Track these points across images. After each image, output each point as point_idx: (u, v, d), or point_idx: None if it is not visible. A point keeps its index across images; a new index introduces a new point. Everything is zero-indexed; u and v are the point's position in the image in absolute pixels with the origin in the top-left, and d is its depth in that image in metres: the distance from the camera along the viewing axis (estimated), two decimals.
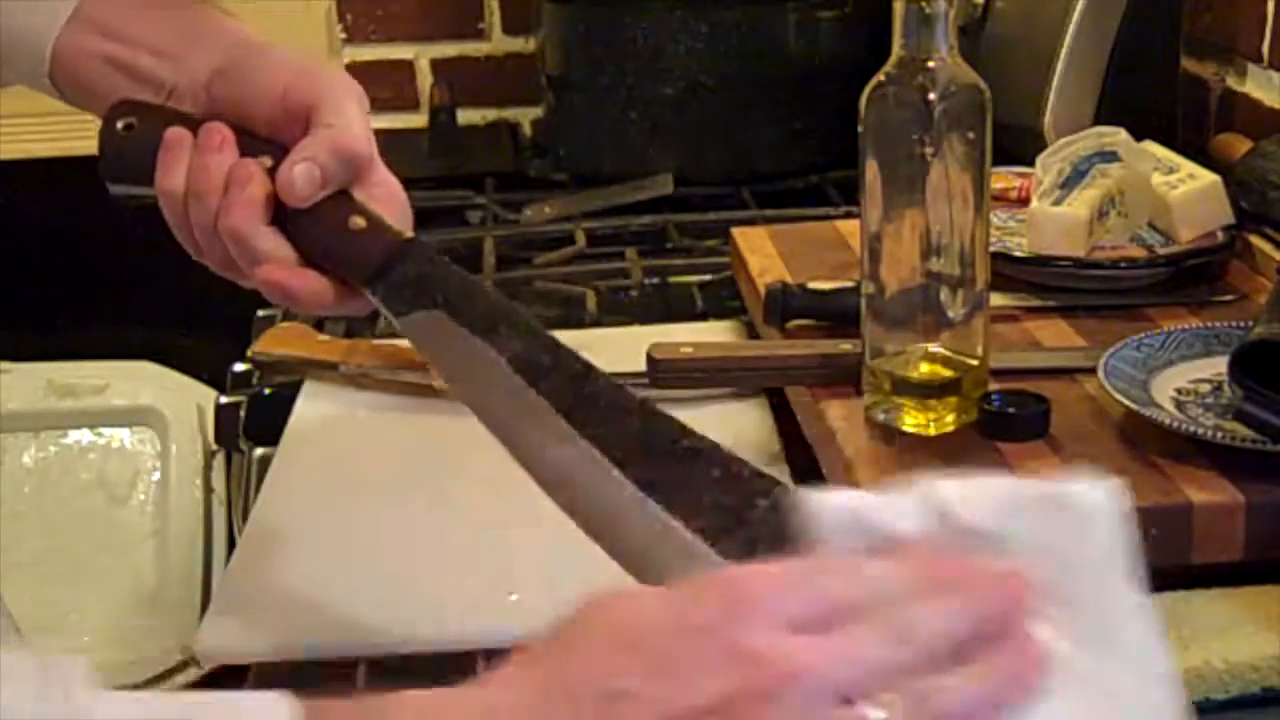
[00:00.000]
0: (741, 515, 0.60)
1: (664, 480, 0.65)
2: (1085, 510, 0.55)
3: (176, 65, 0.84)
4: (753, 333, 1.23)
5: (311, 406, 1.17)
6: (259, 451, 1.19)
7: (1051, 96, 1.45)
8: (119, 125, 0.83)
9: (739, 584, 0.52)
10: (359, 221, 0.80)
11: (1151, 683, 0.55)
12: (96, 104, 0.85)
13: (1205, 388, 0.96)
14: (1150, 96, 1.48)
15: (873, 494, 0.56)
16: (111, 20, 0.85)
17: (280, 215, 0.79)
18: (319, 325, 1.27)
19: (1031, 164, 1.24)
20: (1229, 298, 1.14)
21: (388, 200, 0.83)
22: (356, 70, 2.02)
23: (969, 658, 0.52)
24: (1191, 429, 0.88)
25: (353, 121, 0.80)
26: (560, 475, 0.69)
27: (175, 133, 0.81)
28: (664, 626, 0.52)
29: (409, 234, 0.81)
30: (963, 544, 0.55)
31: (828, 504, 0.56)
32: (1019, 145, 1.32)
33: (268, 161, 0.80)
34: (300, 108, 0.81)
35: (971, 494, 0.56)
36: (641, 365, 1.04)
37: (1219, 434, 0.87)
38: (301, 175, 0.78)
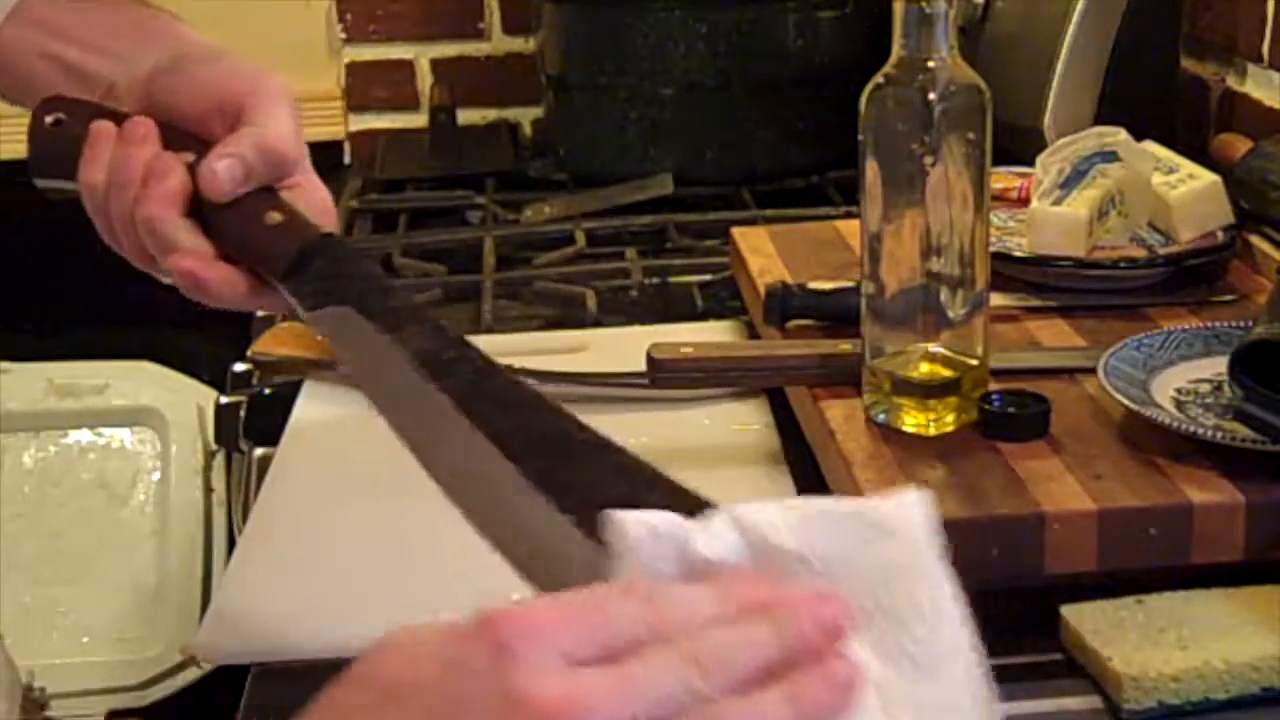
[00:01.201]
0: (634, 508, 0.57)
1: (558, 475, 0.63)
2: (894, 525, 0.55)
3: (117, 63, 0.85)
4: (753, 333, 1.23)
5: (311, 406, 1.17)
6: (259, 451, 1.19)
7: (1051, 96, 1.45)
8: (47, 120, 0.84)
9: (511, 622, 0.50)
10: (275, 217, 0.80)
11: (966, 695, 0.55)
12: (35, 101, 0.86)
13: (1205, 388, 0.96)
14: (1150, 96, 1.48)
15: (683, 518, 0.55)
16: (55, 18, 0.86)
17: (199, 211, 0.80)
18: None
19: (1031, 164, 1.24)
20: (1229, 298, 1.14)
21: (310, 205, 0.83)
22: (356, 70, 2.02)
23: (776, 684, 0.51)
24: (1191, 429, 0.88)
25: (281, 123, 0.81)
26: (455, 470, 0.69)
27: (100, 126, 0.82)
28: (432, 676, 0.50)
29: (326, 230, 0.81)
30: (776, 566, 0.54)
31: (635, 526, 0.55)
32: (1019, 145, 1.32)
33: (190, 156, 0.80)
34: (232, 107, 0.81)
35: (781, 516, 0.55)
36: (641, 365, 1.04)
37: (1219, 434, 0.87)
38: (224, 169, 0.79)
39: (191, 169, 0.80)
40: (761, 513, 0.55)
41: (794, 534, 0.55)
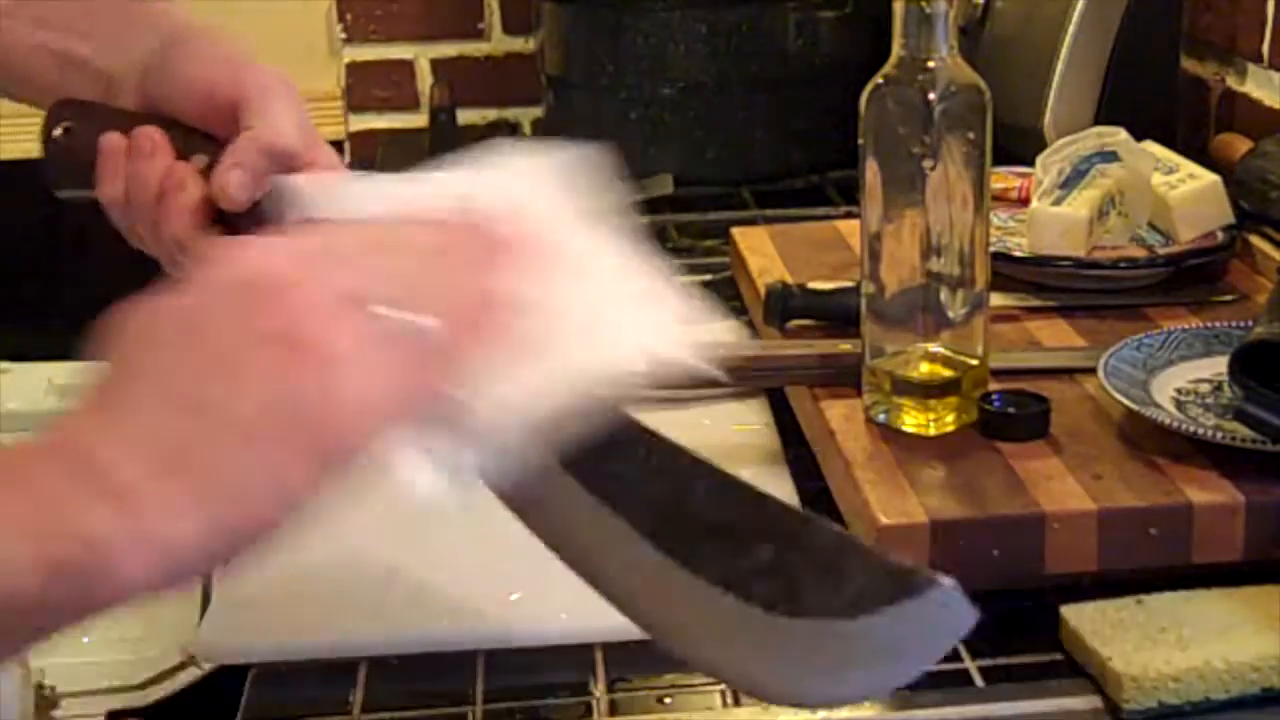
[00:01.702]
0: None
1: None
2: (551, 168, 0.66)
3: (113, 54, 0.84)
4: (753, 333, 1.23)
5: None
6: None
7: (1051, 96, 1.45)
8: (57, 131, 0.84)
9: (211, 252, 0.57)
10: (294, 220, 0.79)
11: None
12: (41, 98, 0.85)
13: (1205, 388, 0.96)
14: (1150, 96, 1.48)
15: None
16: (44, 9, 0.85)
17: (221, 215, 0.80)
18: None
19: (1031, 164, 1.24)
20: (1229, 298, 1.14)
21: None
22: (356, 70, 2.02)
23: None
24: (1191, 429, 0.88)
25: (280, 118, 0.81)
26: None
27: (109, 140, 0.81)
28: (163, 310, 0.56)
29: None
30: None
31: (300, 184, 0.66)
32: (1019, 145, 1.32)
33: (203, 160, 0.80)
34: (227, 105, 0.81)
35: (473, 180, 0.67)
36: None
37: (1219, 434, 0.87)
38: (234, 182, 0.79)
39: (205, 173, 0.80)
40: (451, 177, 0.68)
41: (478, 188, 0.67)
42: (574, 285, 0.63)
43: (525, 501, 0.67)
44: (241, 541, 0.56)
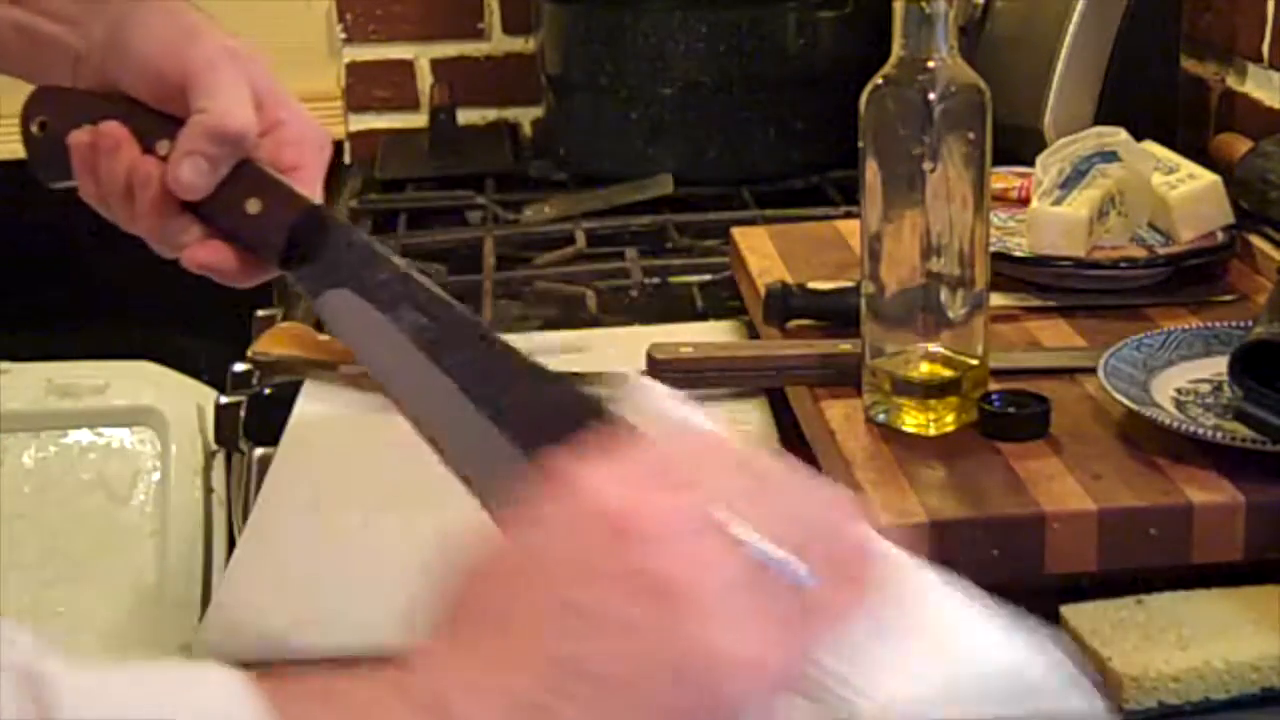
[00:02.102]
0: None
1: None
2: None
3: (77, 31, 0.83)
4: (753, 333, 1.23)
5: (311, 406, 1.16)
6: (259, 451, 1.19)
7: (1051, 96, 1.45)
8: (33, 128, 0.84)
9: (563, 473, 0.52)
10: (254, 204, 0.80)
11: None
12: (19, 72, 0.85)
13: (1205, 388, 0.96)
14: (1150, 96, 1.48)
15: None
16: None
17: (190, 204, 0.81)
18: (319, 325, 1.27)
19: (1031, 164, 1.24)
20: (1229, 298, 1.14)
21: (298, 143, 0.82)
22: (356, 70, 2.02)
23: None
24: (1191, 429, 0.88)
25: (226, 95, 0.79)
26: (460, 448, 0.71)
27: (76, 138, 0.81)
28: (515, 547, 0.52)
29: (307, 202, 0.80)
30: None
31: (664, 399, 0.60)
32: (1019, 145, 1.32)
33: (166, 147, 0.80)
34: (176, 85, 0.80)
35: None
36: (641, 365, 1.04)
37: (1219, 434, 0.87)
38: (188, 173, 0.79)
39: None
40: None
41: None
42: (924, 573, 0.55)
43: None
44: None
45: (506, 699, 0.48)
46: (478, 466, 0.69)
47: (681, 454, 0.54)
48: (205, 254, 0.80)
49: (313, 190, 0.82)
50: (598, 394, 0.66)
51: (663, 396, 0.60)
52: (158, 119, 0.81)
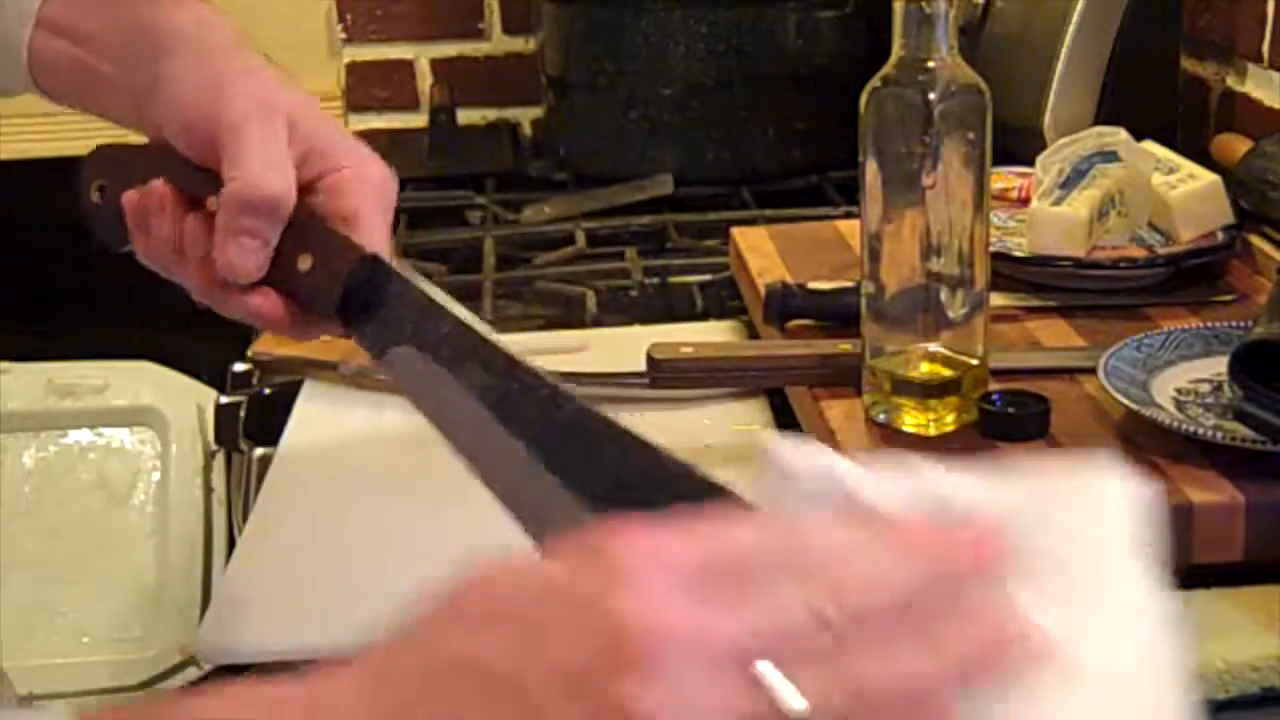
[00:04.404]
0: None
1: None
2: (1096, 494, 0.50)
3: (129, 73, 0.80)
4: (753, 333, 1.23)
5: (311, 406, 1.16)
6: (259, 451, 1.19)
7: (1051, 96, 1.45)
8: (94, 195, 0.82)
9: (628, 543, 0.45)
10: (305, 261, 0.77)
11: (1158, 683, 0.50)
12: (85, 109, 0.84)
13: (1205, 388, 0.96)
14: (1150, 96, 1.48)
15: (856, 464, 0.50)
16: (70, 21, 0.82)
17: None
18: None
19: (1031, 164, 1.24)
20: (1229, 298, 1.14)
21: (356, 190, 0.78)
22: (356, 70, 2.02)
23: (921, 632, 0.45)
24: (1191, 429, 0.88)
25: (255, 161, 0.75)
26: (533, 514, 0.64)
27: (128, 200, 0.79)
28: (533, 597, 0.46)
29: (361, 252, 0.76)
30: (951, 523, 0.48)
31: (795, 456, 0.50)
32: (1019, 145, 1.32)
33: (214, 204, 0.77)
34: (207, 146, 0.77)
35: (964, 480, 0.50)
36: (641, 365, 1.04)
37: (1219, 434, 0.87)
38: (235, 255, 0.75)
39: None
40: (945, 475, 0.50)
41: (977, 493, 0.49)
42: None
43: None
44: None
45: None
46: (552, 531, 0.62)
47: (785, 547, 0.46)
48: (258, 301, 0.77)
49: (374, 237, 0.77)
50: (696, 466, 0.57)
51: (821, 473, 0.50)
52: (205, 175, 0.78)
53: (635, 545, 0.45)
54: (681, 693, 0.43)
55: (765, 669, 0.43)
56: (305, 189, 0.78)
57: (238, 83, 0.77)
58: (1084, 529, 0.49)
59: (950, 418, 0.93)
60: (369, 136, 2.00)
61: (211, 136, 0.76)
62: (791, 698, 0.43)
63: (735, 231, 1.34)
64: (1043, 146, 1.23)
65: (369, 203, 0.79)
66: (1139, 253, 1.18)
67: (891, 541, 0.46)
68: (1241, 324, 0.99)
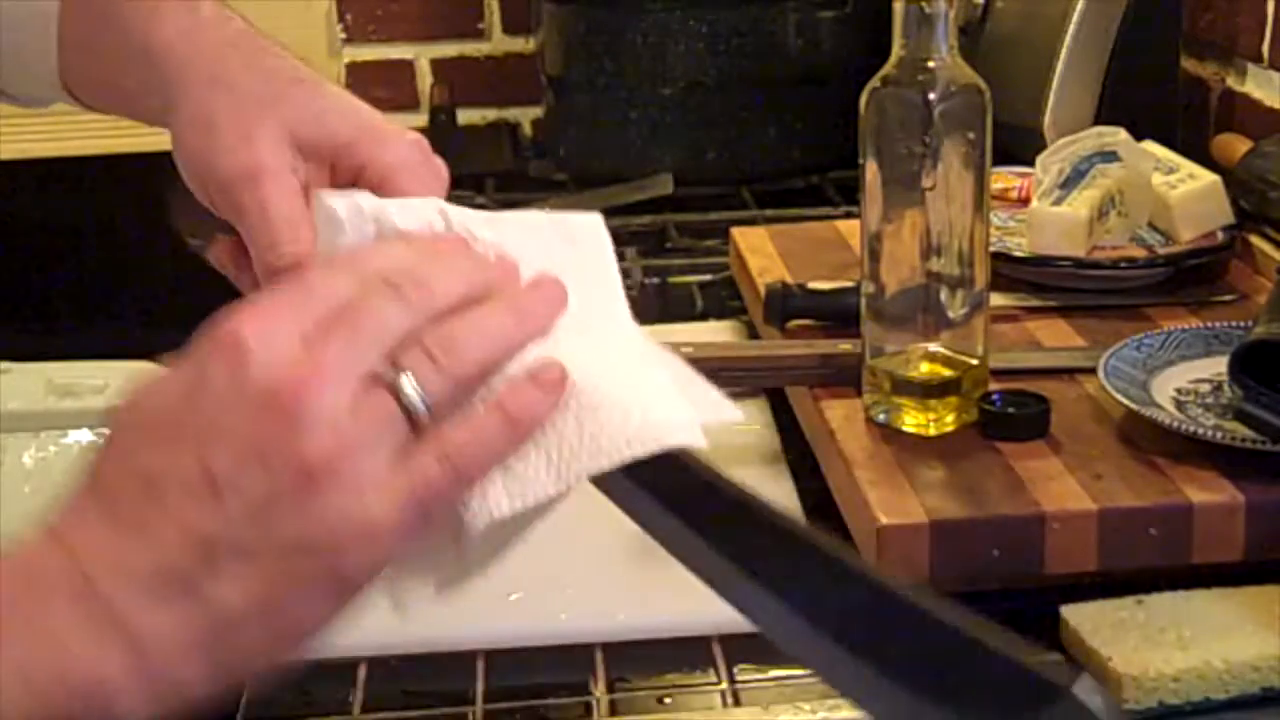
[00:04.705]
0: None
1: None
2: (578, 234, 0.65)
3: (145, 94, 0.76)
4: (753, 333, 1.23)
5: None
6: None
7: (1051, 96, 1.45)
8: (192, 251, 0.80)
9: (233, 326, 0.52)
10: None
11: (640, 343, 0.62)
12: (122, 115, 0.80)
13: (1205, 388, 0.96)
14: (1150, 96, 1.48)
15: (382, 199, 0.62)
16: (86, 37, 0.80)
17: None
18: None
19: (1031, 164, 1.24)
20: (1229, 298, 1.14)
21: (395, 172, 0.74)
22: (356, 70, 2.02)
23: (501, 304, 0.56)
24: (1191, 429, 0.88)
25: (264, 223, 0.69)
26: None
27: (215, 255, 0.77)
28: (178, 399, 0.52)
29: None
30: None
31: (339, 202, 0.61)
32: (1019, 145, 1.32)
33: None
34: (214, 203, 0.73)
35: (477, 214, 0.63)
36: None
37: (1219, 434, 0.87)
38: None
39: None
40: (460, 209, 0.62)
41: (490, 226, 0.61)
42: (585, 351, 0.58)
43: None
44: (247, 671, 0.55)
45: (152, 576, 0.50)
46: None
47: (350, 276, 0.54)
48: None
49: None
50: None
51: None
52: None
53: (244, 321, 0.52)
54: (340, 429, 0.50)
55: (397, 377, 0.52)
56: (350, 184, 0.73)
57: (226, 131, 0.72)
58: (569, 253, 0.63)
59: (950, 417, 0.93)
60: None
61: (217, 196, 0.72)
62: (416, 397, 0.52)
63: (735, 231, 1.34)
64: (1043, 146, 1.23)
65: (413, 183, 0.73)
66: (1139, 253, 1.18)
67: (440, 249, 0.58)
68: (1241, 324, 0.99)
